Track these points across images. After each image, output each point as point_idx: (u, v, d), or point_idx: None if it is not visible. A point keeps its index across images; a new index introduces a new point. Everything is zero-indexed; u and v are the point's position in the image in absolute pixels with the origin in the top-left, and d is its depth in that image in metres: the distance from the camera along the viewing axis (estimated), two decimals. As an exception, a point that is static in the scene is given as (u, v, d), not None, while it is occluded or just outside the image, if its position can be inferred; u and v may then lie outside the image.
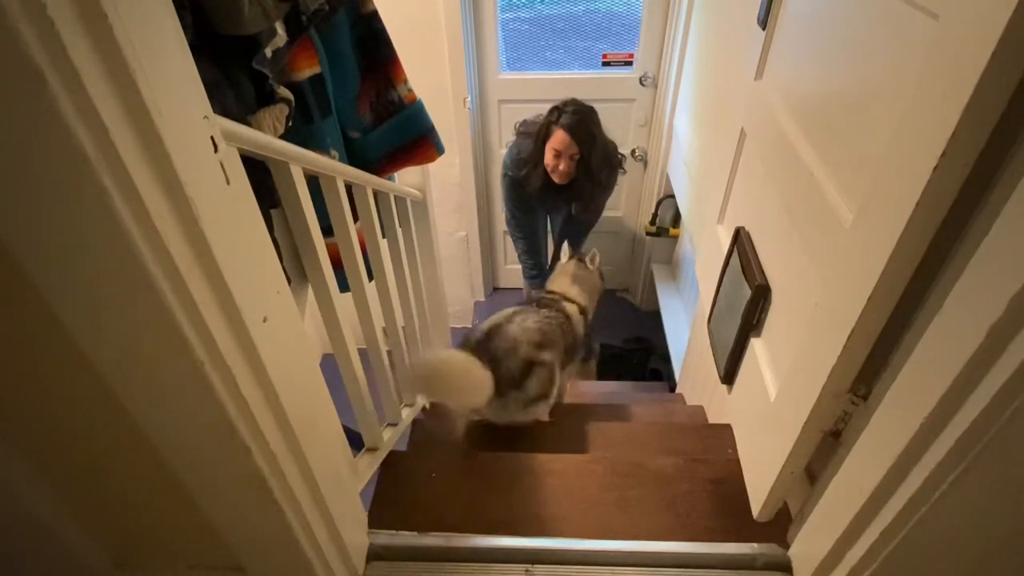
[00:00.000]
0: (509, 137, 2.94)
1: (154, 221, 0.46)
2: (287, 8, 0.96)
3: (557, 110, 2.13)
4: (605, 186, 2.32)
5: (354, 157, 1.31)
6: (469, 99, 2.77)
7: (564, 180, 2.20)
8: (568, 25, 2.83)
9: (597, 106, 2.24)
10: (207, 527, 0.74)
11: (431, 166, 1.55)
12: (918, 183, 0.63)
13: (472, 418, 1.59)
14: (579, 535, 1.12)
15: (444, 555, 1.07)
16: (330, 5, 1.09)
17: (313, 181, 1.00)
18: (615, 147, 2.30)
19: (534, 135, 2.21)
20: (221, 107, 0.85)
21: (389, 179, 1.46)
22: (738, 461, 1.27)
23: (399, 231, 1.47)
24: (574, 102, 2.12)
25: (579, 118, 2.09)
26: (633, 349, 3.18)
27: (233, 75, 0.91)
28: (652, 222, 3.03)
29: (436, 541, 1.09)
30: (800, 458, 0.96)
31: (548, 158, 2.17)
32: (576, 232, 2.57)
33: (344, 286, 1.12)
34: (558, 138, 2.10)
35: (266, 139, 0.77)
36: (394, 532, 1.10)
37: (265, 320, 0.63)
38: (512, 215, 2.48)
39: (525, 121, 2.32)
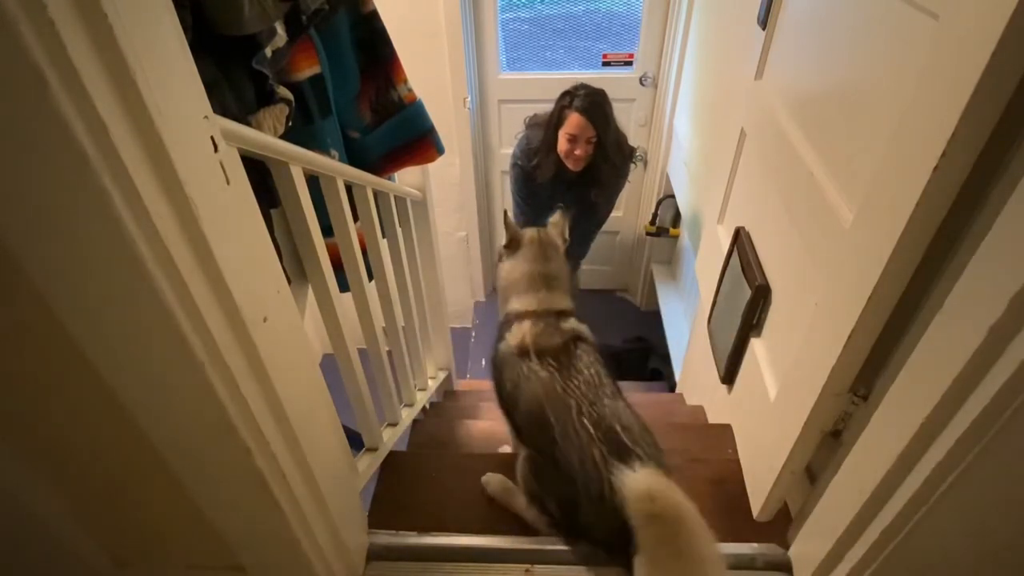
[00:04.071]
0: (509, 137, 2.94)
1: (154, 221, 0.46)
2: (287, 8, 0.96)
3: (569, 94, 2.09)
4: (621, 171, 2.29)
5: (354, 157, 1.31)
6: (469, 99, 2.78)
7: (579, 166, 2.17)
8: (568, 25, 2.83)
9: (597, 106, 2.22)
10: (207, 527, 0.74)
11: (431, 166, 1.55)
12: (918, 183, 0.63)
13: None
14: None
15: (444, 555, 1.07)
16: (330, 5, 1.09)
17: (313, 181, 1.00)
18: (625, 136, 2.28)
19: (544, 124, 2.19)
20: (221, 107, 0.85)
21: (389, 179, 1.46)
22: (738, 461, 1.27)
23: (399, 231, 1.47)
24: (584, 86, 2.09)
25: (593, 100, 2.05)
26: (633, 349, 3.18)
27: (233, 75, 0.91)
28: (652, 222, 3.03)
29: (436, 541, 1.09)
30: (800, 458, 0.96)
31: (562, 144, 2.12)
32: (584, 233, 2.53)
33: (344, 286, 1.12)
34: (573, 122, 2.06)
35: (266, 139, 0.77)
36: (394, 532, 1.10)
37: (265, 320, 0.63)
38: (520, 209, 2.45)
39: (535, 115, 2.30)
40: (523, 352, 1.14)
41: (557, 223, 1.44)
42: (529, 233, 1.38)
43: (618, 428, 1.00)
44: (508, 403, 1.18)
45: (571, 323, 1.21)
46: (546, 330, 1.16)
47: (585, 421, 1.01)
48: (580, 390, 1.05)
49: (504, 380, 1.17)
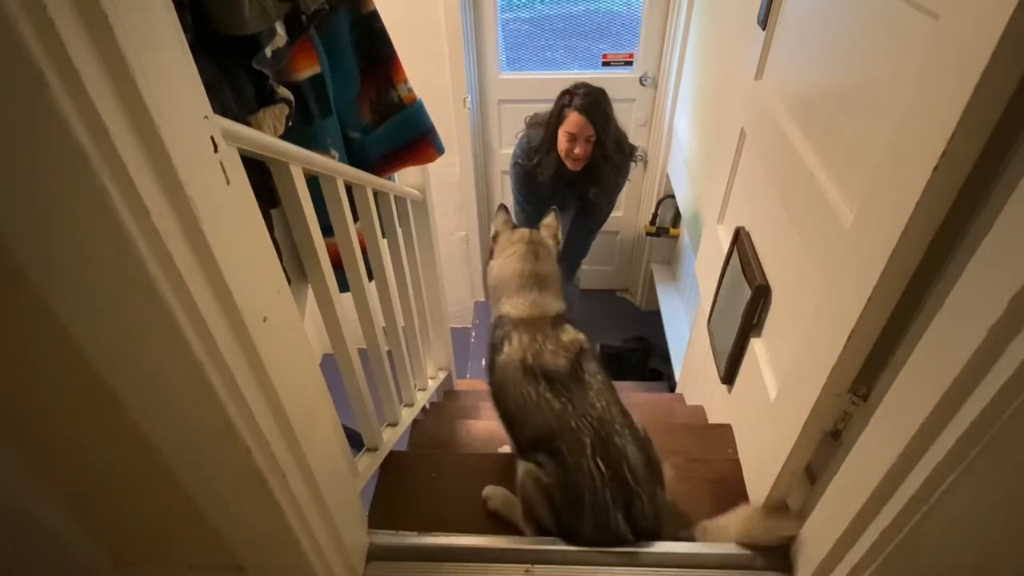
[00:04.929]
0: (509, 137, 2.94)
1: (154, 221, 0.46)
2: (287, 8, 0.96)
3: (568, 93, 2.10)
4: (621, 170, 2.29)
5: (354, 157, 1.31)
6: (469, 99, 2.78)
7: (579, 165, 2.17)
8: (568, 25, 2.83)
9: (597, 105, 2.22)
10: (207, 527, 0.74)
11: (431, 166, 1.55)
12: (918, 183, 0.63)
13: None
14: (579, 535, 1.12)
15: (444, 555, 1.07)
16: (330, 5, 1.09)
17: (313, 181, 1.00)
18: (625, 135, 2.29)
19: (545, 123, 2.19)
20: (221, 107, 0.85)
21: (389, 179, 1.46)
22: (738, 461, 1.27)
23: (399, 231, 1.47)
24: (584, 85, 2.09)
25: (593, 99, 2.06)
26: (633, 349, 3.18)
27: (233, 75, 0.91)
28: (652, 222, 3.03)
29: (436, 541, 1.09)
30: (800, 458, 0.96)
31: (562, 143, 2.13)
32: (585, 232, 2.54)
33: (344, 286, 1.12)
34: (572, 121, 2.07)
35: (266, 139, 0.77)
36: (394, 532, 1.10)
37: (265, 320, 0.63)
38: (521, 208, 2.45)
39: (536, 114, 2.30)
40: (528, 371, 1.13)
41: (550, 225, 1.46)
42: (519, 232, 1.39)
43: (625, 469, 1.05)
44: (510, 418, 1.18)
45: (570, 333, 1.20)
46: (546, 345, 1.16)
47: (599, 461, 1.05)
48: (593, 427, 1.07)
49: (506, 395, 1.17)
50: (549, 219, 1.47)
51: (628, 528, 1.06)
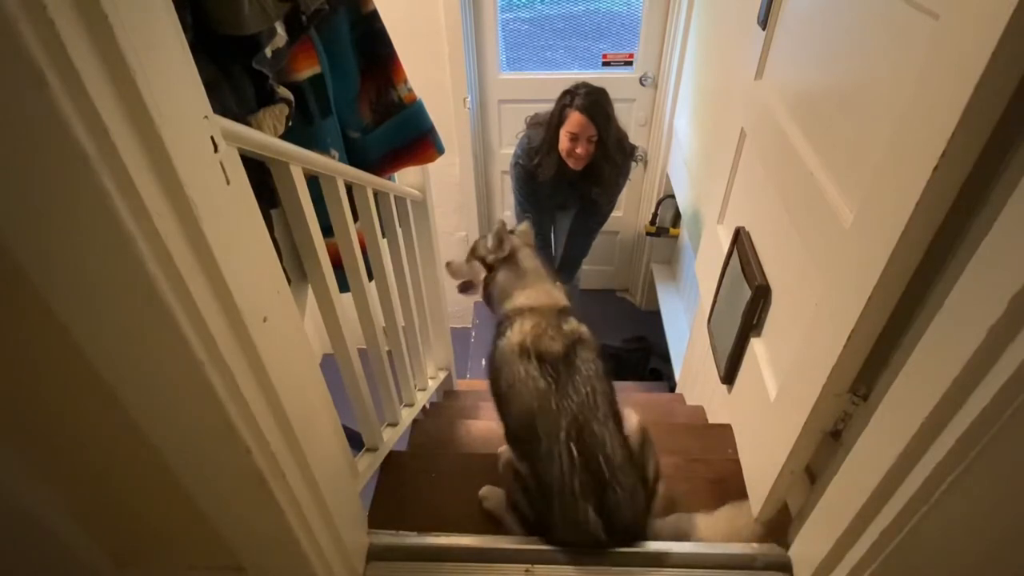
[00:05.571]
0: (509, 137, 2.94)
1: (154, 221, 0.46)
2: (287, 8, 0.96)
3: (569, 94, 2.11)
4: (622, 170, 2.30)
5: (354, 157, 1.31)
6: (469, 99, 2.78)
7: (581, 165, 2.18)
8: (568, 25, 2.83)
9: (597, 106, 2.22)
10: (207, 527, 0.74)
11: (431, 166, 1.55)
12: (918, 183, 0.63)
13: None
14: (579, 535, 1.12)
15: (444, 555, 1.07)
16: (330, 5, 1.09)
17: (313, 181, 1.00)
18: (626, 135, 2.29)
19: (546, 123, 2.19)
20: (221, 107, 0.85)
21: (389, 179, 1.46)
22: (738, 461, 1.27)
23: (399, 231, 1.47)
24: (585, 85, 2.10)
25: (594, 99, 2.07)
26: (633, 349, 3.18)
27: (233, 75, 0.91)
28: (652, 222, 3.03)
29: (436, 541, 1.09)
30: (800, 458, 0.96)
31: (564, 143, 2.13)
32: (585, 232, 2.54)
33: (344, 286, 1.12)
34: (574, 121, 2.08)
35: (266, 139, 0.77)
36: (394, 532, 1.10)
37: (265, 320, 0.63)
38: (522, 208, 2.46)
39: (536, 114, 2.30)
40: (524, 351, 1.14)
41: (524, 232, 1.50)
42: (515, 240, 1.43)
43: (600, 459, 1.03)
44: (502, 402, 1.19)
45: (572, 324, 1.21)
46: (548, 331, 1.17)
47: (572, 446, 1.03)
48: (572, 411, 1.06)
49: (501, 378, 1.17)
50: (523, 226, 1.53)
51: (600, 522, 1.02)
